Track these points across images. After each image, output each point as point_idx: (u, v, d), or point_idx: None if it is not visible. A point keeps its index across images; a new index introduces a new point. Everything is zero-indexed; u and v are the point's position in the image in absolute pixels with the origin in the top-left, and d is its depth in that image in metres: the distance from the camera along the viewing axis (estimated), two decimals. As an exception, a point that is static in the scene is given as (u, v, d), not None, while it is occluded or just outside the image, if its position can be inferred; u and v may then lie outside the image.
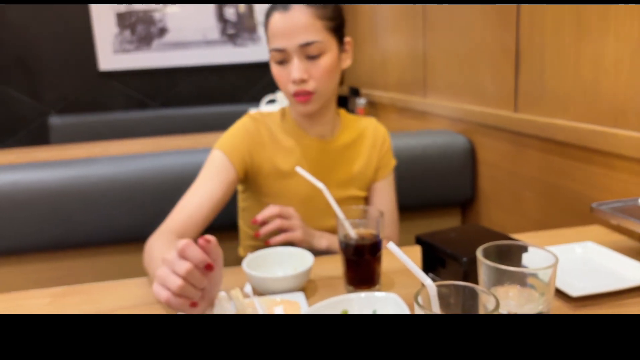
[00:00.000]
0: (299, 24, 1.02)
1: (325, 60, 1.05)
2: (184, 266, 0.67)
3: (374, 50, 2.74)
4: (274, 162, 1.15)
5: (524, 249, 0.67)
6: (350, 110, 2.98)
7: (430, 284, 0.55)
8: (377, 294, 0.75)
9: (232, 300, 0.75)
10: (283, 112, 1.20)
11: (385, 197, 1.25)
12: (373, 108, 2.82)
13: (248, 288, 0.81)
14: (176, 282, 0.67)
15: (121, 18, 3.22)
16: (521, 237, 1.05)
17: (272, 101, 2.82)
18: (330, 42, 1.06)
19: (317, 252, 1.06)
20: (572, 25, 1.17)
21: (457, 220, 1.80)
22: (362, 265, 0.84)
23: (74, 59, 3.19)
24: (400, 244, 1.28)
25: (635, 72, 1.02)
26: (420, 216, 1.70)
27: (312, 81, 1.06)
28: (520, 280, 0.62)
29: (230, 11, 3.33)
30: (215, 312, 0.73)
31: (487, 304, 0.53)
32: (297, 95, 1.06)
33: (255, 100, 3.35)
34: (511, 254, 0.67)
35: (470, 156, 1.69)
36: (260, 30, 3.38)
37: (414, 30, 2.14)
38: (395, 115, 2.47)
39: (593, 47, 1.12)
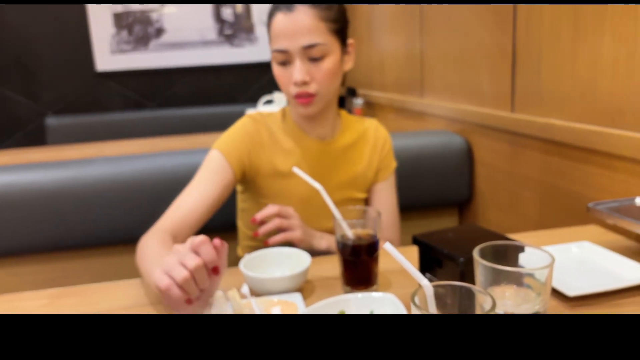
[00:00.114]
0: (302, 26, 1.01)
1: (328, 63, 1.05)
2: (195, 260, 0.67)
3: (371, 51, 2.74)
4: (273, 163, 1.15)
5: (520, 249, 0.67)
6: (348, 110, 2.98)
7: (426, 284, 0.54)
8: (375, 294, 0.75)
9: (229, 300, 0.74)
10: (283, 112, 1.20)
11: (385, 198, 1.24)
12: (370, 108, 2.82)
13: (245, 289, 0.81)
14: (182, 273, 0.67)
15: (118, 18, 3.22)
16: (518, 237, 1.05)
17: (269, 102, 2.82)
18: (334, 45, 1.05)
19: (316, 253, 1.06)
20: (569, 25, 1.17)
21: (454, 221, 1.80)
22: (359, 266, 0.84)
23: (71, 60, 3.18)
24: (400, 245, 1.28)
25: (632, 71, 1.02)
26: (418, 216, 1.70)
27: (314, 83, 1.05)
28: (517, 280, 0.62)
29: (227, 11, 3.33)
30: (213, 312, 0.73)
31: (483, 304, 0.53)
32: (298, 97, 1.06)
33: (253, 100, 3.35)
34: (508, 254, 0.67)
35: (468, 156, 1.69)
36: (258, 31, 3.38)
37: (411, 30, 2.15)
38: (393, 115, 2.47)
39: (590, 47, 1.12)
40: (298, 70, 1.03)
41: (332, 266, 0.95)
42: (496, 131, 1.53)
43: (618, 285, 0.79)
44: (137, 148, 2.14)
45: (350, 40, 1.12)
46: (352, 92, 3.02)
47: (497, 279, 0.62)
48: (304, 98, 1.05)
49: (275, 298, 0.81)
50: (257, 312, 0.74)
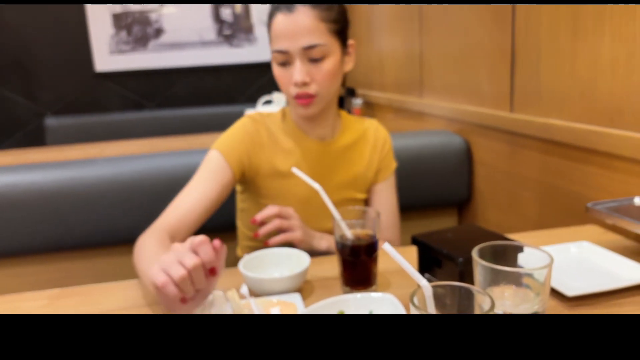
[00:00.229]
0: (302, 26, 1.01)
1: (328, 64, 1.04)
2: (193, 260, 0.67)
3: (370, 51, 2.74)
4: (273, 163, 1.15)
5: (519, 249, 0.67)
6: (347, 110, 2.98)
7: (425, 285, 0.55)
8: (374, 294, 0.75)
9: (228, 301, 0.75)
10: (283, 113, 1.20)
11: (385, 199, 1.24)
12: (369, 108, 2.82)
13: (244, 289, 0.81)
14: (179, 272, 0.67)
15: (117, 19, 3.22)
16: (517, 237, 1.05)
17: (268, 102, 2.82)
18: (334, 45, 1.05)
19: (316, 253, 1.06)
20: (568, 25, 1.18)
21: (453, 221, 1.80)
22: (358, 266, 0.84)
23: (70, 60, 3.18)
24: (400, 245, 1.28)
25: (631, 71, 1.02)
26: (417, 216, 1.70)
27: (314, 84, 1.05)
28: (516, 280, 0.63)
29: (226, 12, 3.33)
30: (213, 312, 0.73)
31: (482, 304, 0.53)
32: (298, 97, 1.05)
33: (252, 101, 3.35)
34: (507, 254, 0.67)
35: (467, 156, 1.69)
36: (257, 31, 3.38)
37: (411, 30, 2.15)
38: (392, 115, 2.47)
39: (589, 47, 1.12)
40: (298, 71, 1.03)
41: (332, 266, 0.95)
42: (495, 131, 1.53)
43: (617, 285, 0.79)
44: (137, 148, 2.14)
45: (350, 41, 1.12)
46: (351, 92, 3.02)
47: (496, 279, 0.62)
48: (304, 99, 1.05)
49: (274, 298, 0.81)
50: (256, 312, 0.74)
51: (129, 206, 1.39)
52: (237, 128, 1.16)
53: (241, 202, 1.25)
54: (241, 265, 0.86)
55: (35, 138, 3.17)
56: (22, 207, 1.33)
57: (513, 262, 0.67)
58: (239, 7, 3.34)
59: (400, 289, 0.85)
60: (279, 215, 1.04)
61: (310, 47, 1.02)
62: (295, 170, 0.99)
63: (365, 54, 2.82)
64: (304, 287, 0.88)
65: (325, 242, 1.11)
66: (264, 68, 3.40)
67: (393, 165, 1.26)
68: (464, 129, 1.72)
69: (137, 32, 3.26)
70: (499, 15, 1.45)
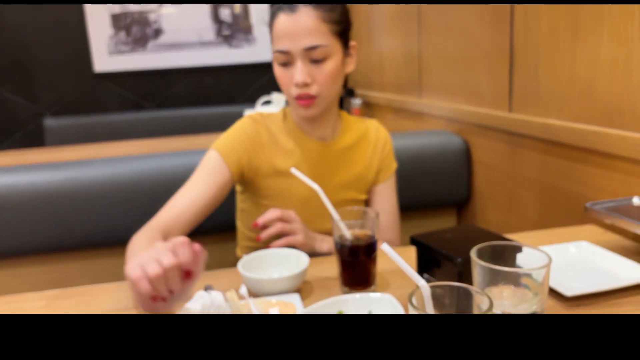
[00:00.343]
0: (304, 27, 1.01)
1: (330, 65, 1.04)
2: (170, 260, 0.67)
3: (370, 51, 2.74)
4: (272, 163, 1.15)
5: (518, 249, 0.68)
6: (346, 110, 2.98)
7: (424, 285, 0.55)
8: (373, 294, 0.75)
9: (227, 301, 0.75)
10: (284, 113, 1.19)
11: (385, 200, 1.24)
12: (369, 108, 2.82)
13: (243, 289, 0.81)
14: (155, 269, 0.66)
15: (116, 19, 3.21)
16: (516, 237, 1.06)
17: (267, 102, 2.82)
18: (336, 47, 1.05)
19: (317, 255, 1.06)
20: (567, 25, 1.18)
21: (452, 221, 1.80)
22: (357, 266, 0.84)
23: (69, 61, 3.18)
24: (400, 245, 1.28)
25: (630, 71, 1.02)
26: (416, 216, 1.70)
27: (316, 85, 1.04)
28: (514, 280, 0.63)
29: (225, 12, 3.33)
30: (211, 312, 0.73)
31: (481, 305, 0.53)
32: (299, 98, 1.05)
33: (251, 101, 3.35)
34: (505, 254, 0.67)
35: (466, 156, 1.69)
36: (256, 31, 3.38)
37: (410, 31, 2.15)
38: (391, 115, 2.48)
39: (588, 47, 1.12)
40: (299, 71, 1.03)
41: (331, 267, 0.95)
42: (494, 131, 1.53)
43: (616, 285, 0.79)
44: (136, 149, 2.14)
45: (352, 43, 1.11)
46: (350, 93, 3.02)
47: (495, 279, 0.63)
48: (304, 100, 1.05)
49: (273, 299, 0.81)
50: (255, 313, 0.74)
51: (128, 206, 1.39)
52: (236, 128, 1.16)
53: (241, 203, 1.25)
54: (240, 265, 0.86)
55: (35, 138, 3.17)
56: (22, 208, 1.33)
57: (512, 262, 0.67)
58: (238, 8, 3.34)
59: (400, 289, 0.85)
60: (280, 219, 1.04)
61: (311, 48, 1.02)
62: (294, 171, 0.99)
63: (364, 54, 2.82)
64: (303, 287, 0.88)
65: (326, 244, 1.11)
66: (263, 68, 3.40)
67: (393, 165, 1.26)
68: (463, 129, 1.72)
69: (136, 32, 3.26)
70: (497, 16, 1.45)
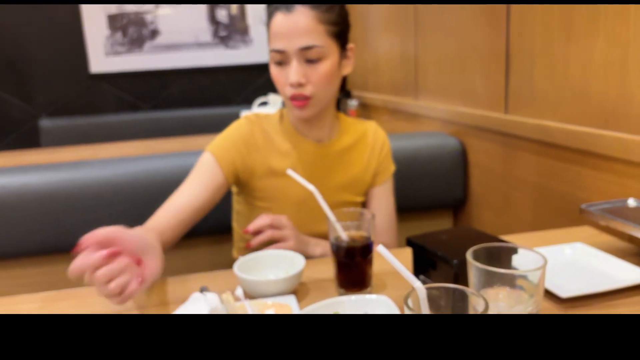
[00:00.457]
0: (300, 27, 1.01)
1: (325, 66, 1.04)
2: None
3: (366, 52, 2.75)
4: (268, 164, 1.14)
5: (513, 250, 0.68)
6: (342, 111, 2.98)
7: (419, 287, 0.55)
8: (369, 296, 0.75)
9: (223, 303, 0.74)
10: (281, 114, 1.19)
11: (382, 202, 1.24)
12: (365, 110, 2.82)
13: (239, 291, 0.81)
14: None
15: (112, 20, 3.21)
16: (512, 239, 1.06)
17: (264, 103, 2.82)
18: (331, 48, 1.05)
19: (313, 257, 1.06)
20: (562, 28, 1.18)
21: (449, 222, 1.80)
22: (353, 268, 0.84)
23: (65, 62, 3.17)
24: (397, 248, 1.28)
25: (624, 73, 1.03)
26: (412, 218, 1.70)
27: (310, 86, 1.04)
28: (510, 282, 0.63)
29: (222, 13, 3.33)
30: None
31: (476, 306, 0.53)
32: (294, 99, 1.05)
33: (248, 102, 3.35)
34: (501, 256, 0.67)
35: (462, 158, 1.69)
36: (252, 32, 3.38)
37: (406, 32, 2.15)
38: (387, 117, 2.48)
39: (582, 49, 1.13)
40: (294, 71, 1.03)
41: (327, 268, 0.95)
42: (490, 133, 1.54)
43: (611, 286, 0.79)
44: (132, 150, 2.13)
45: (350, 45, 1.11)
46: (346, 94, 3.03)
47: (491, 280, 0.63)
48: (299, 101, 1.05)
49: (269, 300, 0.81)
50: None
51: (124, 208, 1.38)
52: (231, 130, 1.16)
53: (237, 204, 1.25)
54: (236, 267, 0.86)
55: (30, 139, 3.16)
56: (17, 209, 1.32)
57: (507, 264, 0.67)
58: (234, 9, 3.34)
59: (396, 291, 0.85)
60: (271, 226, 1.04)
61: (306, 48, 1.02)
62: (291, 172, 0.99)
63: (360, 56, 2.82)
64: (299, 289, 0.88)
65: (320, 248, 1.11)
66: (259, 69, 3.40)
67: (391, 168, 1.26)
68: (459, 131, 1.72)
69: (132, 33, 3.25)
70: (493, 17, 1.45)
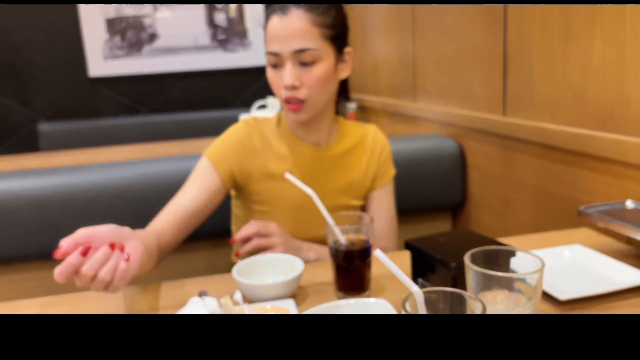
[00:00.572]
0: (294, 29, 1.01)
1: (319, 69, 1.04)
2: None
3: (364, 55, 2.75)
4: (266, 168, 1.14)
5: (511, 253, 0.68)
6: (341, 114, 2.98)
7: (417, 291, 0.55)
8: (367, 300, 0.75)
9: (221, 307, 0.74)
10: (279, 117, 1.19)
11: (382, 206, 1.23)
12: (363, 112, 2.82)
13: (238, 295, 0.81)
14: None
15: (111, 24, 3.21)
16: (510, 241, 1.06)
17: (262, 106, 2.82)
18: (326, 51, 1.04)
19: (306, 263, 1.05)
20: (560, 29, 1.18)
21: (447, 225, 1.80)
22: (352, 272, 0.84)
23: (63, 65, 3.17)
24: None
25: (622, 75, 1.03)
26: (411, 221, 1.70)
27: (304, 89, 1.04)
28: (508, 285, 0.63)
29: (220, 16, 3.33)
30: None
31: (474, 310, 0.53)
32: (288, 102, 1.05)
33: (246, 105, 3.35)
34: (499, 259, 0.67)
35: (460, 160, 1.69)
36: (251, 36, 3.38)
37: (404, 33, 2.15)
38: (386, 119, 2.48)
39: (580, 51, 1.13)
40: (288, 73, 1.03)
41: (325, 272, 0.95)
42: (488, 135, 1.54)
43: (609, 288, 0.79)
44: (131, 154, 2.13)
45: (348, 49, 1.11)
46: (346, 98, 3.03)
47: (489, 283, 0.63)
48: (293, 104, 1.05)
49: (268, 304, 0.81)
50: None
51: (123, 212, 1.38)
52: (229, 134, 1.16)
53: (236, 208, 1.25)
54: (235, 271, 0.86)
55: (29, 143, 3.16)
56: (15, 214, 1.32)
57: (505, 267, 0.67)
58: (233, 12, 3.34)
59: (394, 294, 0.85)
60: (257, 234, 1.04)
61: (300, 51, 1.02)
62: (289, 176, 0.99)
63: (358, 58, 2.82)
64: (297, 292, 0.88)
65: (313, 252, 1.10)
66: (258, 73, 3.40)
67: (391, 172, 1.25)
68: (458, 133, 1.73)
69: (131, 37, 3.25)
70: (491, 19, 1.46)
